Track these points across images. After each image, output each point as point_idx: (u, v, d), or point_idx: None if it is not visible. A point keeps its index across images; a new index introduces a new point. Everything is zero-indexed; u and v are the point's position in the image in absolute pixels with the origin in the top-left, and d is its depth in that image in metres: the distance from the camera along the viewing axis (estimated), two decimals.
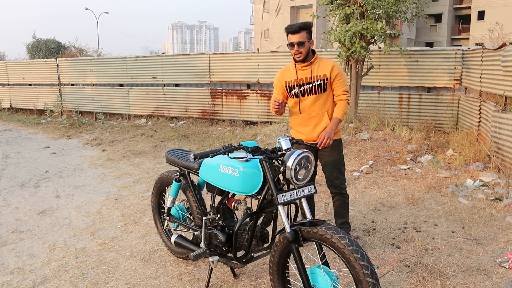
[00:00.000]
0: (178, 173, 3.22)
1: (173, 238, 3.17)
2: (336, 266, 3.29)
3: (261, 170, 2.53)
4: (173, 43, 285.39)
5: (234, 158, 2.45)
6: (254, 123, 10.49)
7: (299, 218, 2.83)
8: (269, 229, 2.84)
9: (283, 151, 2.50)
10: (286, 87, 3.48)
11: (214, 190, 2.93)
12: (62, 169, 6.74)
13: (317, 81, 3.40)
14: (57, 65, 13.72)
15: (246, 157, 2.50)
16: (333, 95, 3.46)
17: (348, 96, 3.42)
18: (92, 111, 13.16)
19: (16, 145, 8.81)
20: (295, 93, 3.46)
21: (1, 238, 4.18)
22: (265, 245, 2.78)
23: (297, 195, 2.45)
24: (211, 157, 2.34)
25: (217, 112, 11.18)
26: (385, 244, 3.78)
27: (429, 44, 39.10)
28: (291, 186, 2.51)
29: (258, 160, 2.53)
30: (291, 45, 3.32)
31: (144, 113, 12.26)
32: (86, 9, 40.99)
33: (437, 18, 40.70)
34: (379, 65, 8.76)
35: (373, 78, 8.90)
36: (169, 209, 3.38)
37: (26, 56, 31.03)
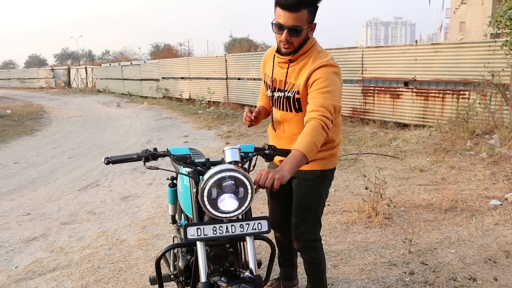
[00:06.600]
0: (171, 177, 2.72)
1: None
2: None
3: None
4: (366, 40, 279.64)
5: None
6: (406, 126, 9.06)
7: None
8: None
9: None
10: (264, 81, 2.37)
11: None
12: None
13: (287, 92, 2.16)
14: (226, 60, 14.68)
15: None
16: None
17: (325, 116, 1.88)
18: (251, 105, 13.62)
19: (164, 132, 9.67)
20: (269, 96, 2.34)
21: (76, 216, 4.46)
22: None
23: (222, 232, 1.66)
24: (112, 163, 1.79)
25: (368, 111, 10.07)
26: None
27: None
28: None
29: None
30: (279, 27, 1.97)
31: None
32: None
33: None
34: None
35: None
36: (173, 216, 2.93)
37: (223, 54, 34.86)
